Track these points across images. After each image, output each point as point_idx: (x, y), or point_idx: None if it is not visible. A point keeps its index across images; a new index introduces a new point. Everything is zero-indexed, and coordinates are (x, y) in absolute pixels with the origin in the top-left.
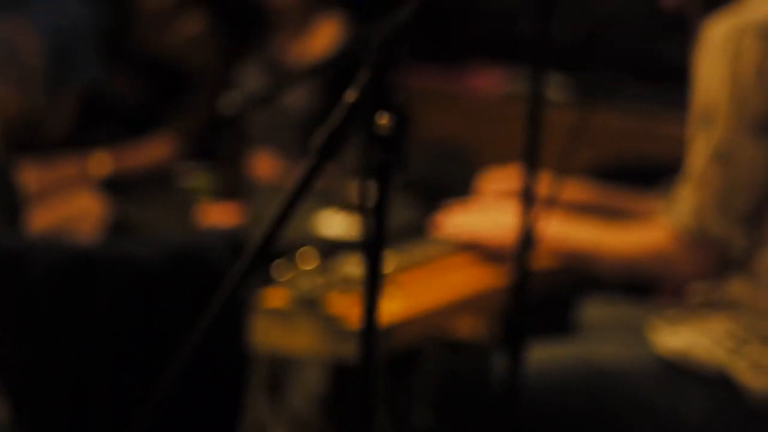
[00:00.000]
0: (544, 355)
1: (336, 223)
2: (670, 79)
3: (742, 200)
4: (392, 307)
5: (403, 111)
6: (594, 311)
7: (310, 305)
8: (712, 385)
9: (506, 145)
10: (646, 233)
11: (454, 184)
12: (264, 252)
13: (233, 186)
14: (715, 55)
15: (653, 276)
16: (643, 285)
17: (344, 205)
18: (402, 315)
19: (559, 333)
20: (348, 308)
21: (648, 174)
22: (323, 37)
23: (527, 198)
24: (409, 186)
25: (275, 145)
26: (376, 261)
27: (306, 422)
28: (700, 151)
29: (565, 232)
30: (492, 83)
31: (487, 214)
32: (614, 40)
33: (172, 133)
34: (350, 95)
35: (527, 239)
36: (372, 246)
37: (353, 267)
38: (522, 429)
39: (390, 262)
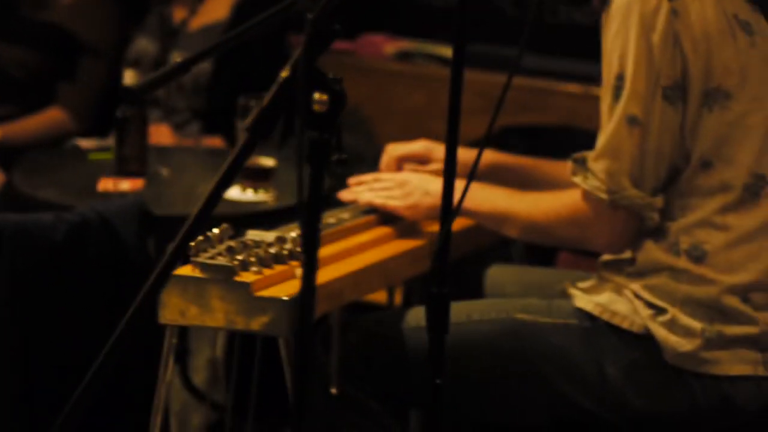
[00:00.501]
0: (459, 311)
1: (242, 195)
2: (561, 49)
3: (655, 166)
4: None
5: (340, 88)
6: (500, 278)
7: (220, 273)
8: (633, 338)
9: (400, 105)
10: (561, 197)
11: (358, 152)
12: (197, 227)
13: (134, 159)
14: (625, 21)
15: (568, 241)
16: (547, 250)
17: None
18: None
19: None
20: (258, 277)
21: (538, 140)
22: (219, 5)
23: (449, 165)
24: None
25: (169, 108)
26: (313, 236)
27: (206, 391)
28: (612, 118)
29: (481, 193)
30: (383, 46)
31: (398, 184)
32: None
33: (63, 105)
34: (284, 71)
35: (450, 206)
36: (309, 224)
37: (265, 237)
38: (442, 389)
39: (298, 230)
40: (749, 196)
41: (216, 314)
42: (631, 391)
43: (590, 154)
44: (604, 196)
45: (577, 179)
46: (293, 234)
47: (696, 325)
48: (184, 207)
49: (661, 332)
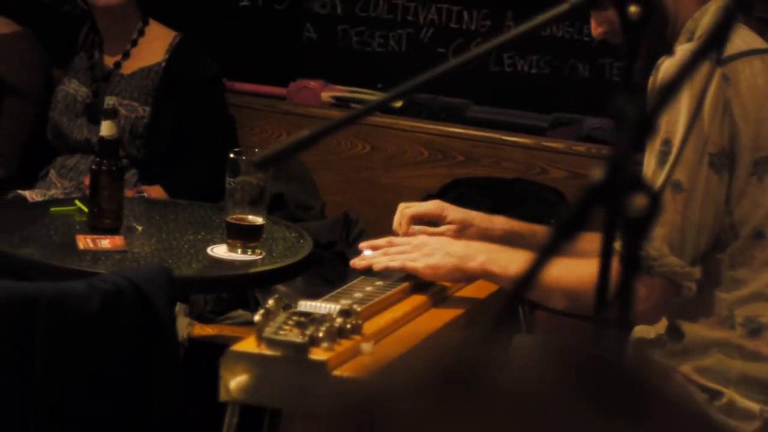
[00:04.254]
0: None
1: (231, 254)
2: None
3: (696, 234)
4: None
5: (656, 191)
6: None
7: (291, 350)
8: None
9: (339, 153)
10: (595, 262)
11: (302, 203)
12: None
13: (109, 214)
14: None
15: None
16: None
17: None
18: (386, 359)
19: None
20: (331, 354)
21: (494, 192)
22: (154, 48)
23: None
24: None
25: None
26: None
27: None
28: (655, 183)
29: (507, 256)
30: (318, 92)
31: (415, 247)
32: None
33: None
34: (598, 172)
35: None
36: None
37: (319, 308)
38: None
39: (348, 302)
40: None
41: (284, 393)
42: None
43: None
44: (643, 262)
45: (614, 244)
46: (357, 307)
47: (754, 406)
48: (177, 268)
49: (719, 418)
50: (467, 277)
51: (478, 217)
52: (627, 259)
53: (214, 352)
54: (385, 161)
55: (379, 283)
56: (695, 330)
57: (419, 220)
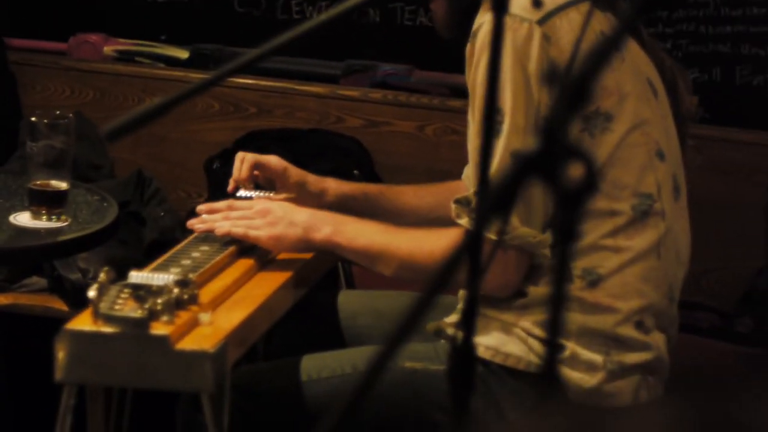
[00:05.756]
0: (344, 361)
1: (36, 222)
2: (300, 48)
3: (543, 200)
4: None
5: (593, 161)
6: (351, 306)
7: (130, 325)
8: (532, 379)
9: (127, 109)
10: (446, 236)
11: (92, 162)
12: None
13: None
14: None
15: (458, 284)
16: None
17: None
18: (228, 329)
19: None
20: (172, 328)
21: (290, 143)
22: None
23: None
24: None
25: None
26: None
27: None
28: (494, 156)
29: (353, 227)
30: (100, 46)
31: (258, 213)
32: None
33: None
34: (531, 143)
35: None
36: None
37: (154, 280)
38: None
39: (179, 270)
40: (638, 216)
41: (125, 371)
42: None
43: (473, 194)
44: (493, 237)
45: (463, 221)
46: (192, 276)
47: (597, 357)
48: None
49: (563, 370)
50: (312, 249)
51: (312, 179)
52: (562, 232)
53: (12, 322)
54: (174, 115)
55: (205, 248)
56: (534, 289)
57: (260, 170)
